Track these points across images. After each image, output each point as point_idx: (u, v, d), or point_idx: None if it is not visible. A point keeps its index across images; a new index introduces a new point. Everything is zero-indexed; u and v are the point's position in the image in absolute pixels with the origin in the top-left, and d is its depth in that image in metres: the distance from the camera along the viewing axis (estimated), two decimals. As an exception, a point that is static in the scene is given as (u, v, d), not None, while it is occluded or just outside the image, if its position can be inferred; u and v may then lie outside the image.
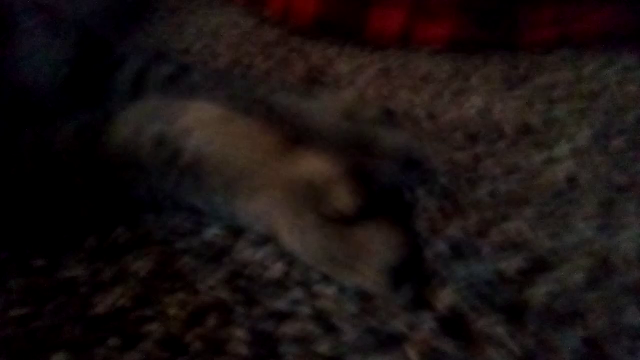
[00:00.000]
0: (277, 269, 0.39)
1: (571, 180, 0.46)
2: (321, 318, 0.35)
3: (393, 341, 0.34)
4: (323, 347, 0.34)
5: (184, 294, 0.38)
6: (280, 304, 0.37)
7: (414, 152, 0.49)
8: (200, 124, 0.44)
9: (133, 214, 0.45)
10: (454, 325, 0.34)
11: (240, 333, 0.35)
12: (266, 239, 0.41)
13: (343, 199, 0.37)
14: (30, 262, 0.42)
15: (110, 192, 0.46)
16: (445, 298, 0.36)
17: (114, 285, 0.39)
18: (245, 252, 0.41)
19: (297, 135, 0.48)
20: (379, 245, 0.36)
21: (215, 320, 0.36)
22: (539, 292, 0.36)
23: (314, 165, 0.39)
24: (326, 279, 0.38)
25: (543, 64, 0.68)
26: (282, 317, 0.36)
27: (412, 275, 0.37)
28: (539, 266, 0.38)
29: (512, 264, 0.38)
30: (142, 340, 0.35)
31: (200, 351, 0.34)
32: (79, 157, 0.46)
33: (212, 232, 0.43)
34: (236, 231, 0.43)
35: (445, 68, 0.67)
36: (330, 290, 0.37)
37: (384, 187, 0.43)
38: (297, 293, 0.37)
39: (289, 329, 0.35)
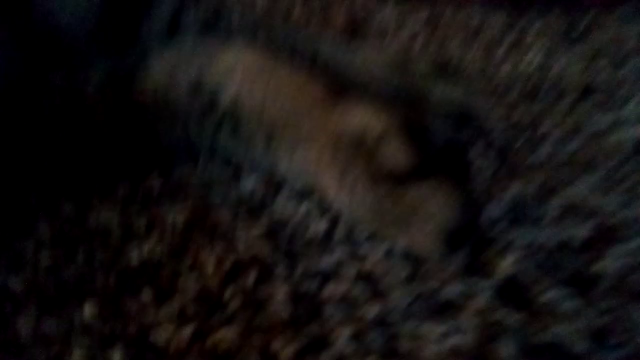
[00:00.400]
0: (320, 226, 0.36)
1: (641, 145, 0.42)
2: (368, 281, 0.33)
3: (447, 309, 0.31)
4: (370, 312, 0.31)
5: (222, 248, 0.35)
6: (324, 264, 0.34)
7: (468, 109, 0.45)
8: (241, 67, 0.41)
9: (167, 162, 0.43)
10: (514, 295, 0.31)
11: (281, 292, 0.32)
12: (309, 194, 0.39)
13: (397, 155, 0.34)
14: (60, 208, 0.40)
15: (143, 139, 0.44)
16: (504, 266, 0.33)
17: (148, 236, 0.37)
18: (286, 207, 0.38)
19: (342, 87, 0.45)
20: (434, 207, 0.33)
21: (254, 278, 0.33)
22: (610, 265, 0.32)
23: (365, 118, 0.36)
24: (373, 239, 0.35)
25: (604, 21, 0.63)
26: (326, 277, 0.33)
27: (468, 240, 0.34)
28: (609, 236, 0.34)
29: (578, 233, 0.35)
30: (178, 294, 0.33)
31: (239, 309, 0.32)
32: (112, 103, 0.44)
33: (250, 184, 0.40)
34: (276, 184, 0.40)
35: (499, 20, 0.63)
36: (378, 252, 0.34)
37: (438, 144, 0.40)
38: (342, 253, 0.35)
39: (333, 290, 0.33)
